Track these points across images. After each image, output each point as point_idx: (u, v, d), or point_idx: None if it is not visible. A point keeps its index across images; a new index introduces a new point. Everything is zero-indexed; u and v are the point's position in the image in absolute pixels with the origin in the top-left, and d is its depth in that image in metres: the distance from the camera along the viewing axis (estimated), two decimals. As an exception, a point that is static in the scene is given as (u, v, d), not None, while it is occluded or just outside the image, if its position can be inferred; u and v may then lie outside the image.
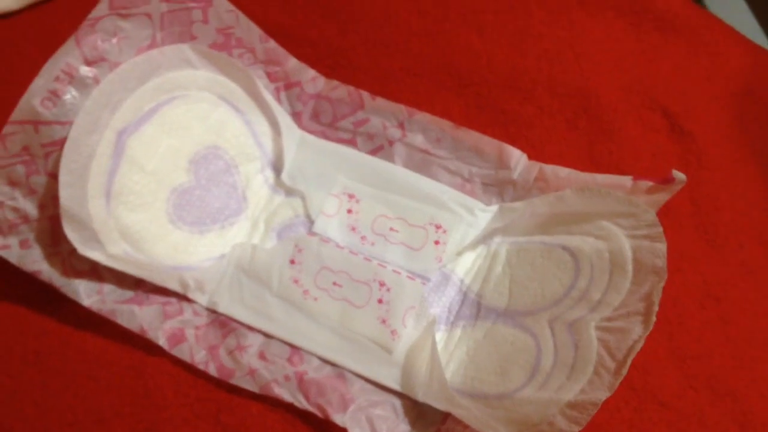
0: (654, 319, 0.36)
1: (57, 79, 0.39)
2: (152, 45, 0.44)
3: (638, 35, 0.55)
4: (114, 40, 0.42)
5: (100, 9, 0.41)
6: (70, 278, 0.42)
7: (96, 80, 0.41)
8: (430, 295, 0.45)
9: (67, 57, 0.40)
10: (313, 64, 0.50)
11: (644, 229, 0.39)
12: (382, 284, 0.45)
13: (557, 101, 0.52)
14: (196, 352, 0.43)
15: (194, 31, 0.46)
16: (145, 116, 0.44)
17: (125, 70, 0.42)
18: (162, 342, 0.43)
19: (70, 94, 0.40)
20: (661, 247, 0.38)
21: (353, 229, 0.47)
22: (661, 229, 0.39)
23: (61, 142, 0.40)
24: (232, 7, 0.46)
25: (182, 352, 0.43)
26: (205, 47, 0.46)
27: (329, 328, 0.44)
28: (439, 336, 0.44)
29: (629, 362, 0.35)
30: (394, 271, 0.46)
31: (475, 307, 0.45)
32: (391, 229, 0.47)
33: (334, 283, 0.45)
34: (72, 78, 0.40)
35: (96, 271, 0.43)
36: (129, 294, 0.44)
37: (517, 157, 0.47)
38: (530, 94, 0.52)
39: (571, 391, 0.36)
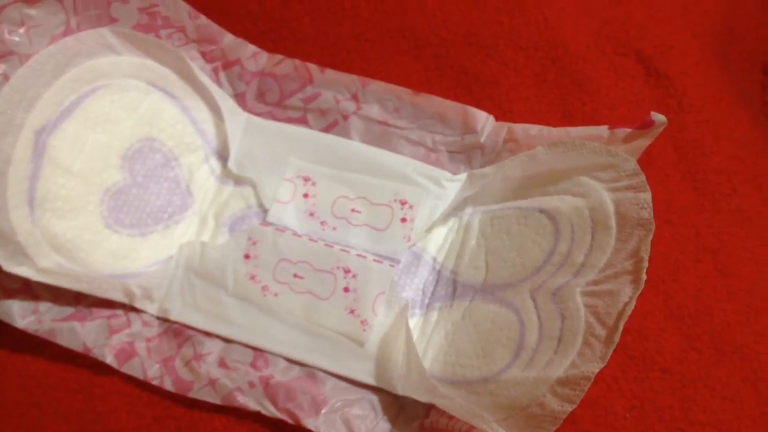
0: (644, 276, 0.32)
1: (-40, 79, 0.36)
2: (67, 32, 0.41)
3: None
4: (22, 30, 0.39)
5: (1, -4, 0.38)
6: (1, 299, 0.39)
7: (5, 77, 0.38)
8: (400, 277, 0.42)
9: (-31, 54, 0.37)
10: (253, 39, 0.46)
11: (625, 179, 0.36)
12: (347, 271, 0.41)
13: (522, 55, 0.48)
14: (148, 367, 0.40)
15: (113, 13, 0.42)
16: (65, 111, 0.40)
17: (38, 62, 0.39)
18: (110, 360, 0.40)
19: (-24, 95, 0.37)
20: (646, 196, 0.34)
21: (311, 214, 0.43)
22: (643, 177, 0.35)
23: (-28, 149, 0.37)
24: (153, -18, 0.42)
25: (133, 369, 0.40)
26: (127, 29, 0.42)
27: (294, 325, 0.41)
28: (414, 321, 0.41)
29: (621, 327, 0.32)
30: (359, 255, 0.42)
31: (450, 286, 0.41)
32: (353, 210, 0.43)
33: (295, 275, 0.41)
34: (-23, 77, 0.37)
35: (29, 289, 0.40)
36: (68, 310, 0.41)
37: (483, 120, 0.43)
38: (492, 50, 0.48)
39: (561, 366, 0.32)
